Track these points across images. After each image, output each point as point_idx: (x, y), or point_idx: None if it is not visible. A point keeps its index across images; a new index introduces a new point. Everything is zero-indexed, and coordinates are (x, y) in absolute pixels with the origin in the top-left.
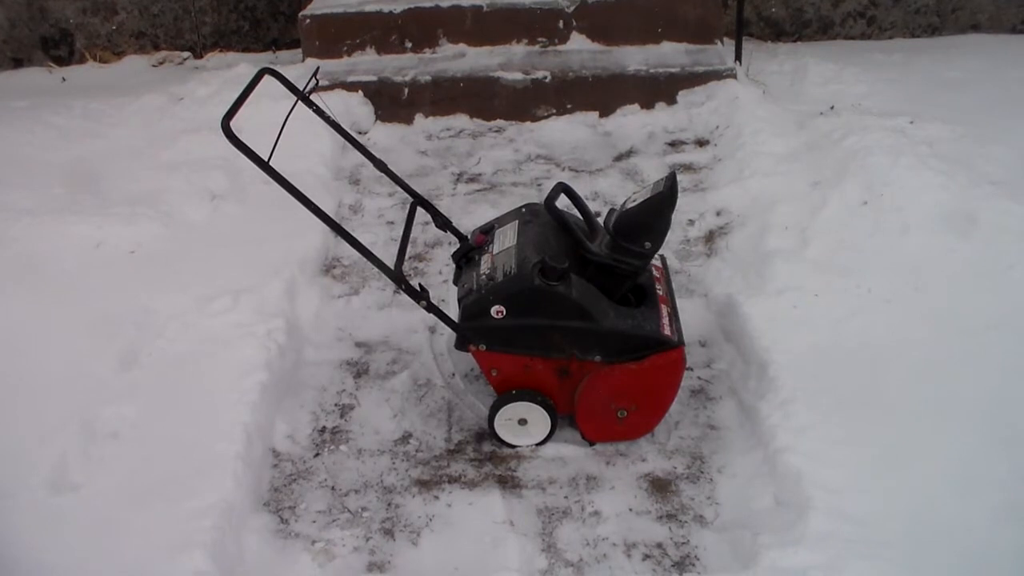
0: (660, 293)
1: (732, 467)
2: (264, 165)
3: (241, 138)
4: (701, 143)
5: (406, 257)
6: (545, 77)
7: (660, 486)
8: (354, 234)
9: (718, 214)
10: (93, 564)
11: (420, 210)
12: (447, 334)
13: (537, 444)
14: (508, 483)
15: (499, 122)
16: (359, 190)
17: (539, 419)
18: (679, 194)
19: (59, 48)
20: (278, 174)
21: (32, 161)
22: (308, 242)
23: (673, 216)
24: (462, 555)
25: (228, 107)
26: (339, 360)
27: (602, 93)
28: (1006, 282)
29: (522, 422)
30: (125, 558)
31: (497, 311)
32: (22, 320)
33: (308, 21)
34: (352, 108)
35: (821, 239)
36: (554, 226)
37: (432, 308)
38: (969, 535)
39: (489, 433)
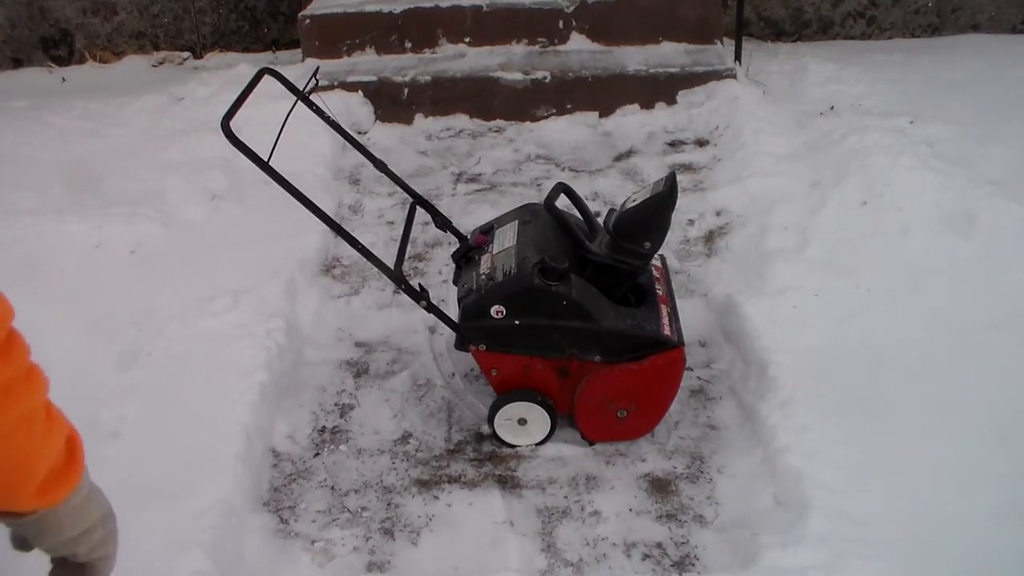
0: (660, 293)
1: (732, 467)
2: (264, 165)
3: (241, 138)
4: (701, 143)
5: (406, 257)
6: (545, 77)
7: (660, 486)
8: (354, 234)
9: (718, 214)
10: None
11: (420, 210)
12: (447, 334)
13: (537, 444)
14: (508, 483)
15: (499, 122)
16: (359, 190)
17: (539, 419)
18: (679, 194)
19: (59, 48)
20: (278, 174)
21: (32, 161)
22: (308, 242)
23: (673, 216)
24: (462, 555)
25: (228, 107)
26: (339, 360)
27: (602, 93)
28: (1006, 282)
29: (522, 422)
30: (125, 558)
31: (497, 311)
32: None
33: (308, 21)
34: (352, 108)
35: (821, 239)
36: (554, 226)
37: (432, 308)
38: (969, 535)
39: (489, 433)
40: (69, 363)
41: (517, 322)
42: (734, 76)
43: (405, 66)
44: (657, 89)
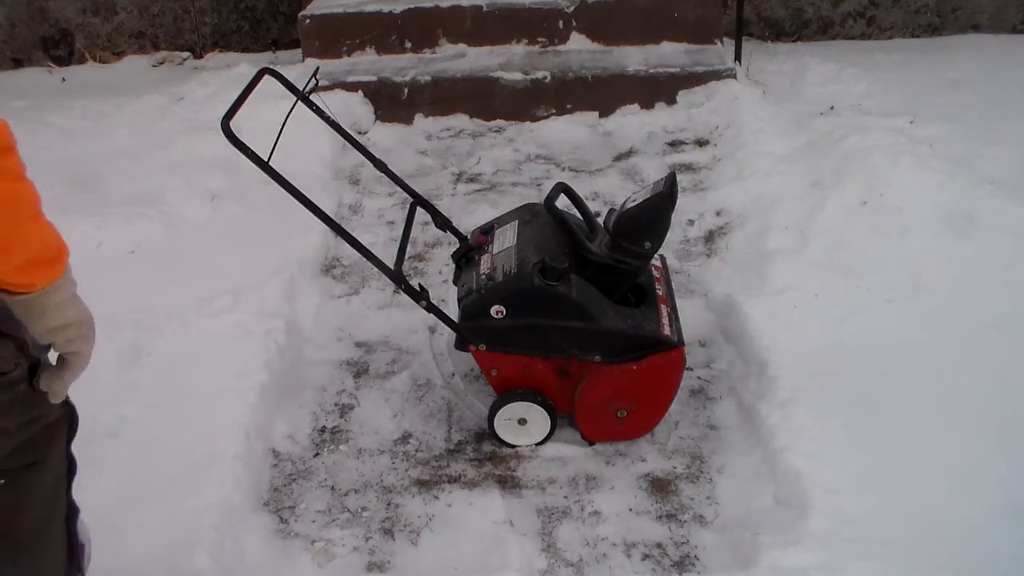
0: (660, 293)
1: (732, 467)
2: (264, 165)
3: (241, 138)
4: (701, 143)
5: (406, 257)
6: (545, 77)
7: (660, 486)
8: (354, 234)
9: (718, 214)
10: (93, 564)
11: (420, 210)
12: (447, 334)
13: (537, 444)
14: (508, 483)
15: (499, 122)
16: (359, 190)
17: (539, 419)
18: (679, 194)
19: (59, 48)
20: (278, 174)
21: (32, 161)
22: (308, 242)
23: (673, 216)
24: (462, 555)
25: (228, 107)
26: (339, 360)
27: (602, 93)
28: (1006, 282)
29: (522, 422)
30: (125, 558)
31: (497, 311)
32: None
33: (308, 21)
34: (352, 108)
35: (821, 239)
36: (554, 226)
37: (432, 308)
38: (969, 535)
39: (489, 433)
40: None
41: (517, 322)
42: (734, 76)
43: (405, 66)
44: (657, 89)
